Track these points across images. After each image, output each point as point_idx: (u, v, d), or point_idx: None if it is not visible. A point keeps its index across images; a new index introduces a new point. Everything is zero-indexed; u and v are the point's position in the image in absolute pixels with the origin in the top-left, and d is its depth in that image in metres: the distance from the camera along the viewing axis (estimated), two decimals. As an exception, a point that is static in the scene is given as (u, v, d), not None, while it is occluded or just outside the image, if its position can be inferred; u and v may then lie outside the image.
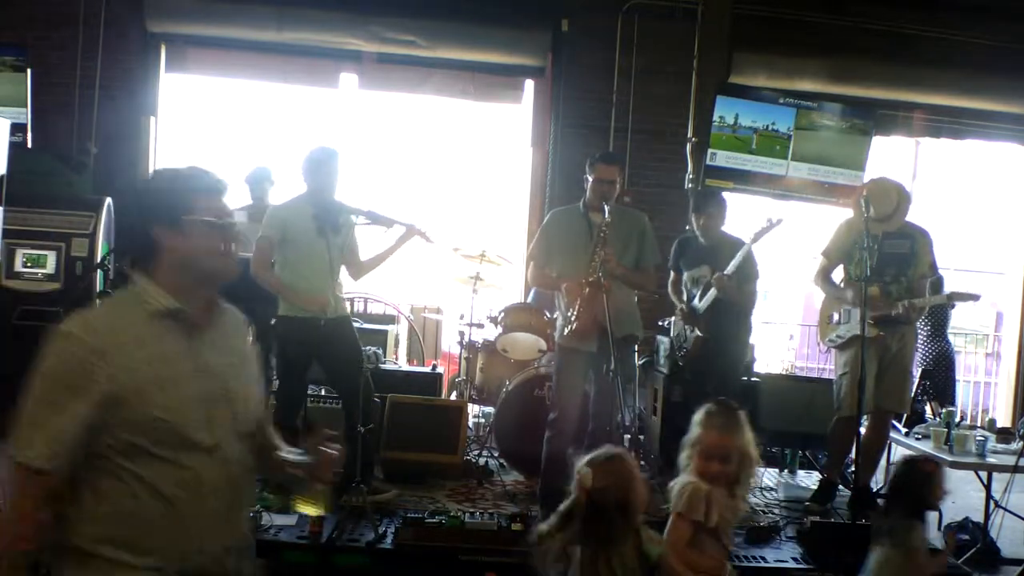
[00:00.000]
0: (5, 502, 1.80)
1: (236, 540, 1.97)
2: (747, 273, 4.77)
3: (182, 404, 1.83)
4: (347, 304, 4.75)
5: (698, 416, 2.81)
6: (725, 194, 5.33)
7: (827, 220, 5.48)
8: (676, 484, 2.77)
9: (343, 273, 4.65)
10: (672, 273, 5.25)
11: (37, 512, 1.78)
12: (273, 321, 4.49)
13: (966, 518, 4.95)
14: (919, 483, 3.15)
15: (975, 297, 4.64)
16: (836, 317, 4.95)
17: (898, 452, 5.41)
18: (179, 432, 1.82)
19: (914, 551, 3.06)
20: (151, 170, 1.67)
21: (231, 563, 1.94)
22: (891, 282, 4.71)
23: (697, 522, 2.65)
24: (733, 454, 2.70)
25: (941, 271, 5.40)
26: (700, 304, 4.89)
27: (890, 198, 4.69)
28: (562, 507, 2.52)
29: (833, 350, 5.06)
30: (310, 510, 2.13)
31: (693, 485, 2.68)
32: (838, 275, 5.04)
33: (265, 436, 2.10)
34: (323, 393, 5.01)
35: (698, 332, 4.92)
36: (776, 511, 4.82)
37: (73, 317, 1.86)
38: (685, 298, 5.12)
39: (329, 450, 2.09)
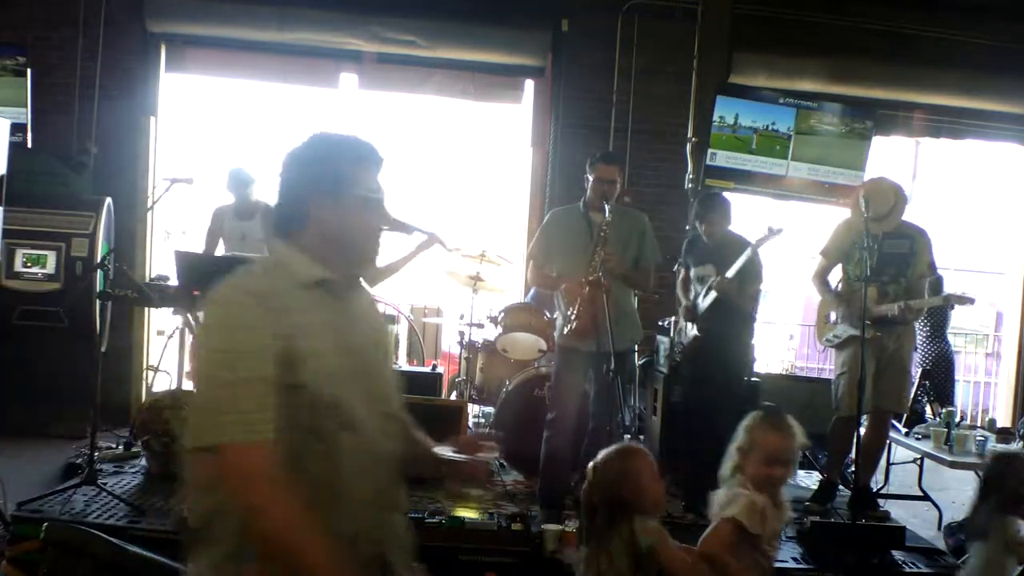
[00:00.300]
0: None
1: (390, 529, 1.83)
2: (749, 276, 4.77)
3: (333, 377, 1.69)
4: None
5: (750, 422, 2.73)
6: (726, 194, 5.34)
7: (827, 220, 5.48)
8: (721, 494, 2.70)
9: None
10: (682, 271, 5.26)
11: (288, 491, 1.57)
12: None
13: (966, 518, 4.95)
14: (1014, 479, 3.14)
15: (971, 300, 4.64)
16: (833, 317, 4.95)
17: (898, 452, 5.42)
18: (330, 405, 1.68)
19: (1017, 545, 3.06)
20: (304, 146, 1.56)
21: (388, 553, 1.81)
22: (889, 282, 4.70)
23: (742, 530, 2.59)
24: (794, 457, 2.68)
25: (941, 271, 5.41)
26: (702, 303, 4.90)
27: (887, 198, 4.68)
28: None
29: (831, 350, 5.06)
30: (463, 512, 2.00)
31: (751, 498, 2.61)
32: (837, 275, 5.04)
33: (407, 425, 1.99)
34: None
35: (695, 331, 4.93)
36: (776, 511, 4.81)
37: (227, 283, 1.72)
38: (692, 296, 5.13)
39: (485, 450, 2.00)
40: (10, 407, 5.44)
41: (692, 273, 5.12)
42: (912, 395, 5.27)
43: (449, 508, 3.58)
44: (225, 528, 1.64)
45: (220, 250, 5.83)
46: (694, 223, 5.18)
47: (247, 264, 1.80)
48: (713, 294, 4.77)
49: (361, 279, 1.90)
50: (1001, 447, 4.83)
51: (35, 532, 3.34)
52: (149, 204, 5.82)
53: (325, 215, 1.76)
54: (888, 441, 5.15)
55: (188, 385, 6.45)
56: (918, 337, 6.91)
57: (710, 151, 6.60)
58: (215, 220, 5.84)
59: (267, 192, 5.92)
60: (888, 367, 4.71)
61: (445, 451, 2.01)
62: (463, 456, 1.99)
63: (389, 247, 4.79)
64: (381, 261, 4.67)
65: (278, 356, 1.61)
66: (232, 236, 5.72)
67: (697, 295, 5.03)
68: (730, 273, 4.65)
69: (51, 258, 5.91)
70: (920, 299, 4.68)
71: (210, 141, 8.79)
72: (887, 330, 4.67)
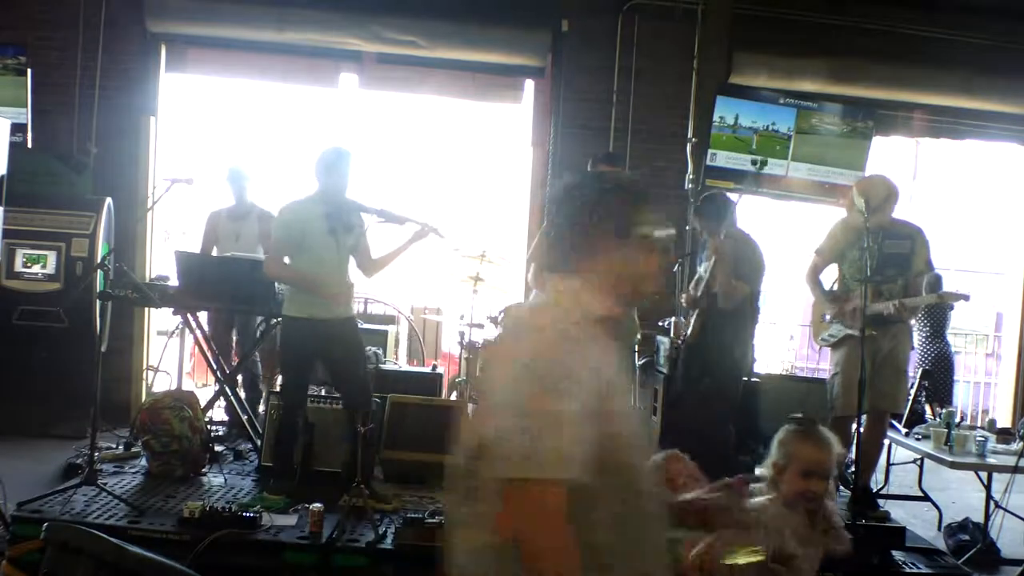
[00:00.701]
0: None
1: None
2: (744, 273, 4.77)
3: (629, 423, 1.63)
4: (354, 305, 4.76)
5: (783, 435, 2.57)
6: (727, 194, 5.34)
7: (827, 220, 5.48)
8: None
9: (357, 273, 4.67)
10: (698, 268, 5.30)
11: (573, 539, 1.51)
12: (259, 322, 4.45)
13: (966, 518, 4.96)
14: None
15: (965, 297, 4.64)
16: (828, 316, 4.94)
17: (898, 452, 5.42)
18: (625, 458, 1.60)
19: None
20: (566, 175, 1.47)
21: None
22: (883, 281, 4.68)
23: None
24: (831, 471, 2.53)
25: (942, 272, 5.40)
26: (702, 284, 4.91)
27: (879, 192, 4.66)
28: None
29: (826, 349, 5.05)
30: (744, 557, 1.89)
31: (757, 519, 2.43)
32: (830, 274, 5.03)
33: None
34: (323, 393, 5.02)
35: (696, 314, 4.91)
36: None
37: (538, 313, 1.67)
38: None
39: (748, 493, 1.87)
40: (10, 407, 5.44)
41: (700, 269, 5.13)
42: (911, 395, 5.27)
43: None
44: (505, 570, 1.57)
45: (215, 251, 5.84)
46: (695, 228, 5.18)
47: (541, 296, 1.75)
48: (710, 263, 4.76)
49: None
50: (1001, 446, 4.84)
51: (35, 532, 3.35)
52: (149, 204, 5.82)
53: (616, 254, 1.71)
54: (888, 441, 5.15)
55: (188, 385, 6.47)
56: (918, 337, 6.92)
57: (710, 151, 6.60)
58: (210, 223, 5.87)
59: (262, 193, 5.93)
60: (883, 366, 4.69)
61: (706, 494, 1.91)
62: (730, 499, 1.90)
63: (383, 239, 4.80)
64: (376, 252, 4.71)
65: (595, 395, 1.57)
66: (227, 237, 5.74)
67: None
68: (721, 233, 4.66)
69: (51, 258, 5.92)
70: (915, 297, 4.67)
71: (210, 141, 8.81)
72: (882, 329, 4.66)
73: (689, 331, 5.03)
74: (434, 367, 6.41)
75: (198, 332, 5.35)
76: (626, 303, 1.78)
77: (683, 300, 5.18)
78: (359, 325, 4.97)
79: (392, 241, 4.74)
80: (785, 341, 11.02)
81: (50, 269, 5.91)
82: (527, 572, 1.52)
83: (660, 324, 5.78)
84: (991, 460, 4.64)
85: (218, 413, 5.70)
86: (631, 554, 1.61)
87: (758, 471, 2.64)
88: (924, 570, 4.09)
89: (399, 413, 5.03)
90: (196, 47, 6.81)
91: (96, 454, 4.39)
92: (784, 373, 8.98)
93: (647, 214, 1.75)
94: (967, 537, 4.79)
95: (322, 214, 4.37)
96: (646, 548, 1.65)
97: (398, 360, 6.82)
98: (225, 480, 4.68)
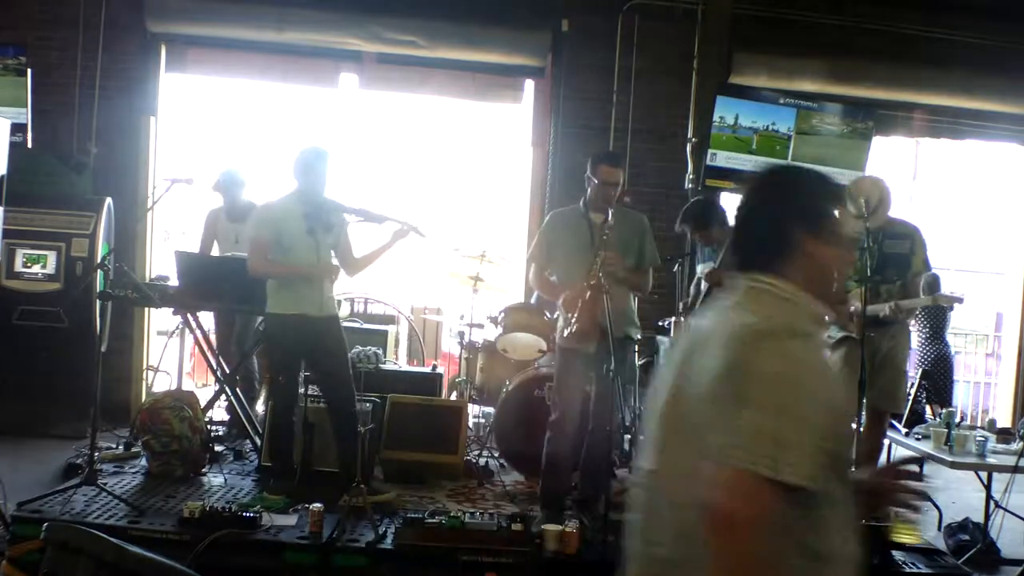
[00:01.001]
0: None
1: None
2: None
3: (851, 432, 1.68)
4: (337, 304, 4.77)
5: None
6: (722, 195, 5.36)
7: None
8: None
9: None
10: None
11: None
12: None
13: (966, 518, 4.95)
14: None
15: (959, 299, 4.63)
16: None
17: (898, 452, 5.42)
18: (841, 457, 1.59)
19: None
20: (698, 173, 1.44)
21: None
22: (883, 282, 4.68)
23: None
24: None
25: (942, 272, 5.40)
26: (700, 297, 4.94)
27: (872, 194, 4.65)
28: None
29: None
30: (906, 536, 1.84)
31: None
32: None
33: None
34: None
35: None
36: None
37: (779, 311, 1.62)
38: (694, 293, 5.16)
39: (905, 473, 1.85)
40: (10, 407, 5.45)
41: (698, 270, 5.15)
42: (911, 395, 5.27)
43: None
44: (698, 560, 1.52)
45: (215, 252, 5.84)
46: (684, 231, 5.19)
47: (738, 296, 1.69)
48: (704, 285, 4.80)
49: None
50: (1001, 446, 4.84)
51: (35, 532, 3.35)
52: (149, 204, 5.83)
53: (816, 253, 1.67)
54: (888, 441, 5.15)
55: (188, 385, 6.47)
56: (918, 338, 6.92)
57: (710, 151, 6.60)
58: (208, 223, 5.87)
59: (258, 193, 5.93)
60: (883, 367, 4.69)
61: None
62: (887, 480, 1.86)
63: (366, 239, 4.81)
64: (359, 252, 4.72)
65: (835, 401, 1.57)
66: (226, 238, 5.74)
67: (699, 292, 5.06)
68: (717, 263, 4.68)
69: (51, 258, 5.92)
70: (911, 299, 4.67)
71: (210, 141, 8.80)
72: (880, 330, 4.66)
73: None
74: (434, 367, 6.41)
75: (198, 332, 5.35)
76: (826, 303, 1.74)
77: (682, 309, 5.20)
78: (353, 325, 4.97)
79: (374, 241, 4.76)
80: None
81: (50, 269, 5.91)
82: (715, 565, 1.47)
83: (660, 324, 5.77)
84: (991, 460, 4.64)
85: (218, 413, 5.70)
86: (843, 558, 1.59)
87: None
88: (924, 570, 4.09)
89: (399, 413, 5.04)
90: (196, 47, 6.81)
91: (96, 454, 4.39)
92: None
93: (839, 211, 1.74)
94: (967, 537, 4.78)
95: (301, 214, 4.40)
96: (852, 551, 1.62)
97: (398, 360, 6.82)
98: (225, 480, 4.69)
